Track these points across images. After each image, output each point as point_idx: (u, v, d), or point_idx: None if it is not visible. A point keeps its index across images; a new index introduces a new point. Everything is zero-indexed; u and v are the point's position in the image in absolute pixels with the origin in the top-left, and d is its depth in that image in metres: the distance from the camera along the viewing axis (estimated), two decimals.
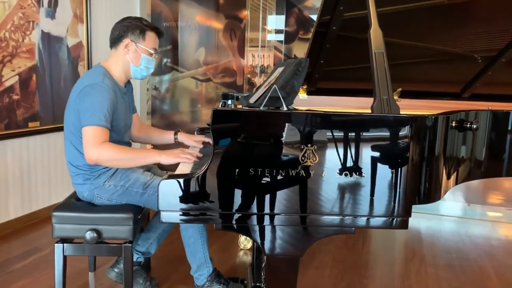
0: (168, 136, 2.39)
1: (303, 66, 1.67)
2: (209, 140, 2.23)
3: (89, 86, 1.92)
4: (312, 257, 2.85)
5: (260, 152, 1.45)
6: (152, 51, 2.07)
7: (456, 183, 1.80)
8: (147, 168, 2.20)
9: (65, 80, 3.54)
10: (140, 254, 2.33)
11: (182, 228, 2.11)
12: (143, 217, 2.15)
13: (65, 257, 1.98)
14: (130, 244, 1.98)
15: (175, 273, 2.56)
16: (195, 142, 2.29)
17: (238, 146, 1.44)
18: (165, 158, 1.88)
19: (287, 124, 1.44)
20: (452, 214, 3.87)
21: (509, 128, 2.02)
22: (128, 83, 2.20)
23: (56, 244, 1.97)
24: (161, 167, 2.50)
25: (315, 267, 2.73)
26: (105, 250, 2.02)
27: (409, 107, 2.64)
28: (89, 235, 1.92)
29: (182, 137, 2.35)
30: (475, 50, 2.51)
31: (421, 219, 3.75)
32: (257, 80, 4.22)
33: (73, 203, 2.07)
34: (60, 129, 3.45)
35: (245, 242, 2.96)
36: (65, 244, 1.97)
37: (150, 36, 2.06)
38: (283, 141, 1.44)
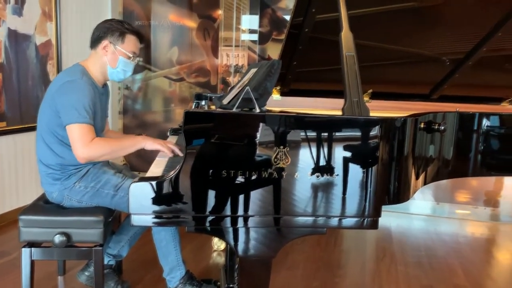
0: None
1: (275, 68, 1.67)
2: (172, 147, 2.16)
3: (68, 82, 1.90)
4: (285, 257, 2.87)
5: (233, 154, 1.44)
6: (130, 55, 2.06)
7: (425, 183, 1.84)
8: (119, 170, 2.17)
9: (33, 79, 3.45)
10: (112, 257, 2.29)
11: (154, 231, 2.09)
12: (114, 219, 2.12)
13: (32, 262, 1.94)
14: (101, 248, 1.94)
15: (148, 275, 2.53)
16: None
17: (211, 148, 1.43)
18: (150, 144, 1.91)
19: (259, 126, 1.44)
20: (421, 213, 3.96)
21: (475, 128, 2.08)
22: (106, 85, 2.17)
23: (23, 249, 1.92)
24: (132, 167, 2.47)
25: (288, 267, 2.75)
26: (74, 254, 1.99)
27: (379, 108, 2.68)
28: (58, 238, 1.88)
29: None
30: (444, 52, 2.57)
31: (391, 217, 3.83)
32: (232, 80, 4.21)
33: (41, 206, 2.02)
34: (28, 129, 3.37)
35: (218, 243, 2.95)
36: (32, 248, 1.92)
37: (130, 39, 2.05)
38: (255, 142, 1.44)
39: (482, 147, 2.11)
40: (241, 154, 1.45)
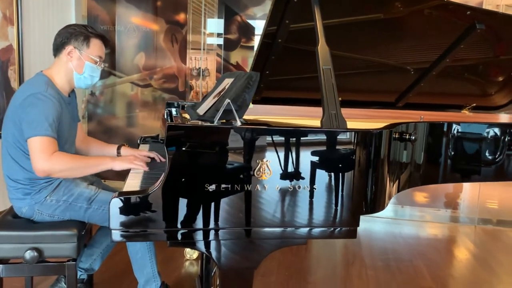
0: (110, 150, 2.27)
1: (253, 80, 1.69)
2: (154, 155, 2.15)
3: (32, 95, 1.82)
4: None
5: (216, 168, 1.45)
6: (97, 59, 2.00)
7: (398, 191, 1.91)
8: (91, 182, 2.12)
9: None
10: (84, 271, 2.23)
11: (128, 243, 2.05)
12: (86, 232, 2.06)
13: (1, 279, 1.86)
14: (74, 262, 1.89)
15: None
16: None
17: (194, 163, 1.43)
18: (119, 165, 1.86)
19: (242, 139, 1.45)
20: (386, 216, 4.08)
21: (444, 138, 2.18)
22: (72, 91, 2.10)
23: None
24: (101, 176, 2.40)
25: (261, 274, 2.76)
26: (46, 269, 1.92)
27: (347, 116, 2.74)
28: (29, 254, 1.81)
29: (125, 152, 2.24)
30: (409, 62, 2.67)
31: None
32: (195, 83, 4.18)
33: (10, 220, 1.94)
34: None
35: (191, 252, 2.92)
36: (1, 265, 1.84)
37: (95, 43, 1.99)
38: (239, 155, 1.45)
39: (452, 153, 2.22)
40: (224, 167, 1.45)
